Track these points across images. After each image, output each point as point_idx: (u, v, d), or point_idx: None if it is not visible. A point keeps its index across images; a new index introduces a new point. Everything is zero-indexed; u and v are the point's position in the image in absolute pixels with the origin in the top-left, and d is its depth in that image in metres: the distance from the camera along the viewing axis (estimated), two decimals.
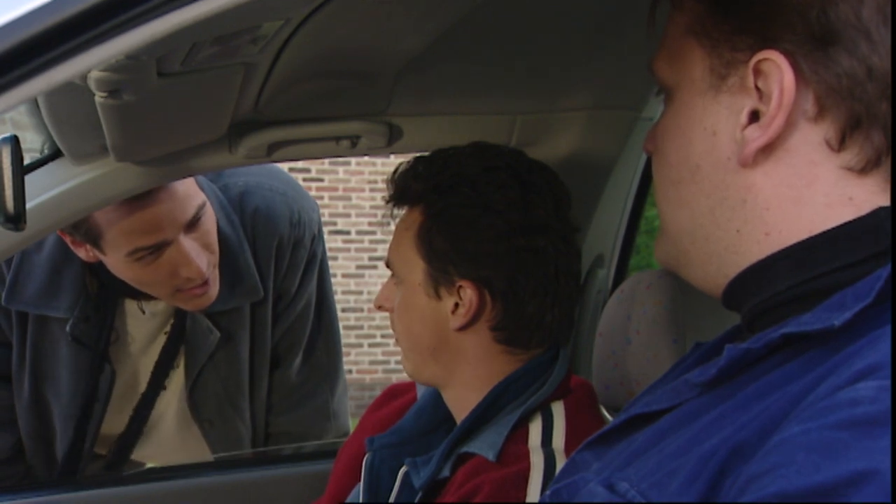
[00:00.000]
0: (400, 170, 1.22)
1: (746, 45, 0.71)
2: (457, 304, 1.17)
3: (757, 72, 0.71)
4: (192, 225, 1.57)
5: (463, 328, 1.17)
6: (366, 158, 7.28)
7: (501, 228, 1.15)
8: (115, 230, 1.50)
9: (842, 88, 0.68)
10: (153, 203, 1.49)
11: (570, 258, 1.20)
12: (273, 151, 1.48)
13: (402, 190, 1.22)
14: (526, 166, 1.20)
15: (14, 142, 0.98)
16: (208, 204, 1.62)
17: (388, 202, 1.24)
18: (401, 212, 1.24)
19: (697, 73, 0.75)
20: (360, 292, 7.43)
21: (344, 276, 7.37)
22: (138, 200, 1.48)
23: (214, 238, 1.64)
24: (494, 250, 1.15)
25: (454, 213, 1.16)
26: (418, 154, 1.27)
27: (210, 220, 1.62)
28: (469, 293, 1.15)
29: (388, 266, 1.26)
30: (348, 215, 7.48)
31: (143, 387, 1.80)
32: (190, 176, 1.53)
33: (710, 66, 0.74)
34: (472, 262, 1.15)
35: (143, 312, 1.75)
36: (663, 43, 0.79)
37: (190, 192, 1.56)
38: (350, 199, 7.50)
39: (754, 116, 0.71)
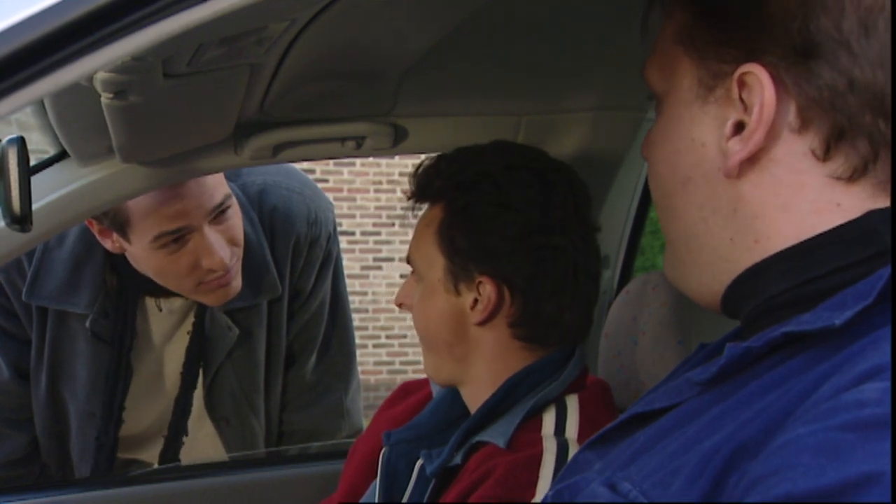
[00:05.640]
0: (422, 167, 1.23)
1: (732, 56, 0.72)
2: (476, 300, 1.18)
3: (742, 84, 0.71)
4: (218, 216, 1.58)
5: (482, 323, 1.18)
6: (370, 159, 7.28)
7: (522, 226, 1.16)
8: (142, 214, 1.51)
9: (823, 101, 0.68)
10: (180, 187, 1.51)
11: (590, 257, 1.21)
12: (278, 152, 1.48)
13: (424, 187, 1.23)
14: (547, 165, 1.21)
15: (20, 143, 0.98)
16: (235, 199, 1.64)
17: (409, 199, 1.25)
18: (420, 209, 1.25)
19: (686, 83, 0.76)
20: (365, 293, 7.43)
21: (348, 276, 7.35)
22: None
23: (240, 233, 1.65)
24: (514, 248, 1.16)
25: (475, 210, 1.17)
26: (425, 154, 1.27)
27: (236, 215, 1.64)
28: (488, 289, 1.16)
29: (408, 263, 1.27)
30: (353, 216, 7.49)
31: (163, 386, 1.81)
32: (196, 177, 1.54)
33: (699, 77, 0.74)
34: (492, 259, 1.16)
35: (160, 310, 1.76)
36: (654, 51, 0.80)
37: (218, 182, 1.58)
38: (355, 200, 7.50)
39: (739, 127, 0.72)
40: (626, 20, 1.35)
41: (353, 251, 7.38)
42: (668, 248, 0.83)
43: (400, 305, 1.29)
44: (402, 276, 7.22)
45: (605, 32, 1.37)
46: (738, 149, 0.71)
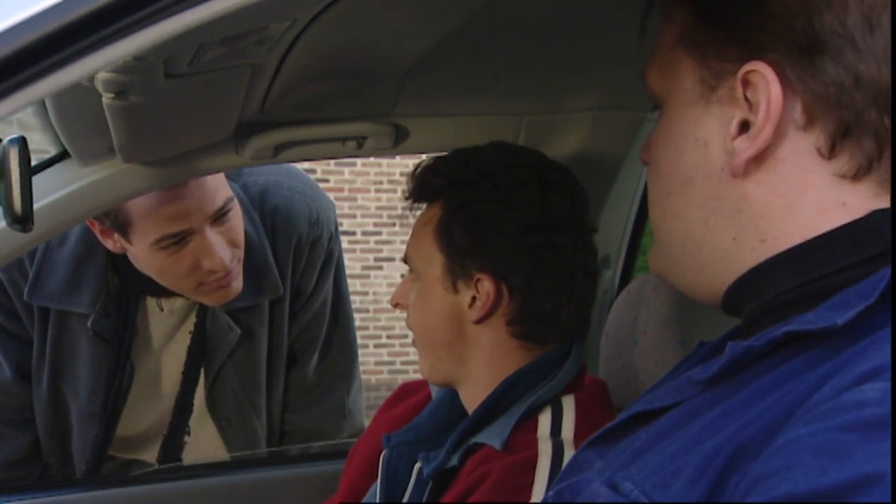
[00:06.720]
0: (420, 167, 1.24)
1: (734, 55, 0.71)
2: (474, 298, 1.18)
3: (745, 82, 0.71)
4: (219, 218, 1.59)
5: (479, 321, 1.18)
6: (371, 159, 7.28)
7: (520, 224, 1.16)
8: (144, 216, 1.51)
9: (829, 97, 0.68)
10: (182, 189, 1.51)
11: (588, 256, 1.21)
12: (279, 152, 1.49)
13: (422, 186, 1.23)
14: (545, 165, 1.22)
15: (21, 143, 0.98)
16: (237, 201, 1.64)
17: (407, 198, 1.25)
18: (419, 209, 1.25)
19: (688, 84, 0.75)
20: (366, 293, 7.43)
21: (349, 276, 7.34)
22: (168, 187, 1.49)
23: (241, 234, 1.66)
24: (512, 245, 1.16)
25: (473, 208, 1.18)
26: (426, 154, 1.27)
27: (237, 216, 1.64)
28: (486, 286, 1.17)
29: (405, 262, 1.27)
30: (354, 216, 7.49)
31: (164, 386, 1.81)
32: (197, 177, 1.54)
33: (700, 77, 0.74)
34: (490, 256, 1.17)
35: (162, 310, 1.76)
36: (654, 54, 0.80)
37: (219, 184, 1.58)
38: (356, 200, 7.50)
39: (744, 126, 0.72)
40: (626, 20, 1.35)
41: (353, 251, 7.38)
42: (657, 247, 0.82)
43: (396, 305, 1.29)
44: (402, 276, 7.22)
45: (605, 32, 1.37)
46: (745, 147, 0.71)
